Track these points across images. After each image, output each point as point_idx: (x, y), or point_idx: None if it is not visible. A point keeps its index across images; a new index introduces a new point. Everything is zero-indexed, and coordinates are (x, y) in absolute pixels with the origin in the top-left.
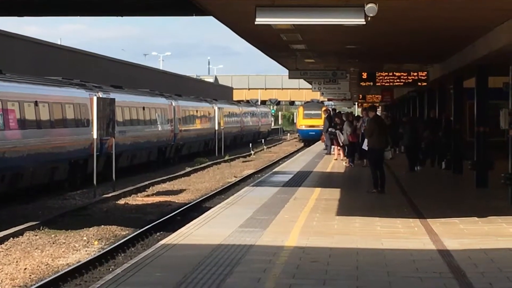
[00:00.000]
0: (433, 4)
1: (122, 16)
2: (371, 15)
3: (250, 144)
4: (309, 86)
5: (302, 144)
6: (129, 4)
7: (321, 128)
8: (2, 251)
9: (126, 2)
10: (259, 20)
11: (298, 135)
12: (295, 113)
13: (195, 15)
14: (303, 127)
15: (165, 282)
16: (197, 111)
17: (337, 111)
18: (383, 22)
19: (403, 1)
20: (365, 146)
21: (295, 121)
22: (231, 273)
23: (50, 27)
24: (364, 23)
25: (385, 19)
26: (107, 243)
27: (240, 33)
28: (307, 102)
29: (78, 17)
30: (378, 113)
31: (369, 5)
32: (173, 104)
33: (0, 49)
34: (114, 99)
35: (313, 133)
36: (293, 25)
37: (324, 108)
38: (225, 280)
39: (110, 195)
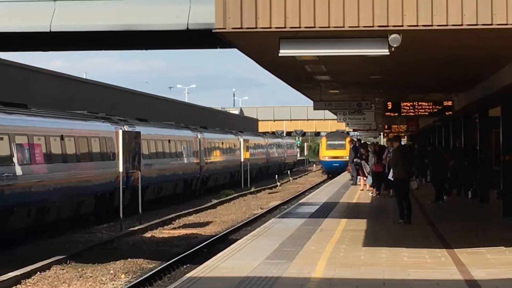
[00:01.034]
0: (457, 34)
1: (146, 49)
2: (395, 45)
3: (276, 176)
4: (334, 117)
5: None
6: (154, 38)
7: (345, 159)
8: (30, 285)
9: (151, 35)
10: (283, 52)
11: (321, 167)
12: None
13: (220, 48)
14: (326, 158)
15: None
16: (222, 143)
17: (362, 141)
18: (407, 52)
19: (427, 31)
20: (390, 177)
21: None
22: None
23: (75, 61)
24: (388, 53)
25: (409, 49)
26: (134, 276)
27: (265, 65)
28: (331, 132)
29: (103, 51)
30: (403, 143)
31: (393, 35)
32: (199, 137)
33: (25, 84)
34: (139, 132)
35: (337, 164)
36: (317, 56)
37: (348, 139)
38: None
39: (136, 228)
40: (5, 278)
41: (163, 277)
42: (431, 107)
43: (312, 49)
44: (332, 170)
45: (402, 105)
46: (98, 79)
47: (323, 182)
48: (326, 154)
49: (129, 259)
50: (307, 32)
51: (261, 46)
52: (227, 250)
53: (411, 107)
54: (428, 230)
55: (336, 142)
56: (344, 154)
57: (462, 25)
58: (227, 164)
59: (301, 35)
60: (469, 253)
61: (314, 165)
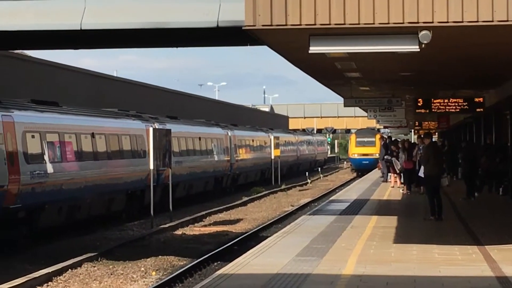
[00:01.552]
0: (488, 30)
1: (176, 47)
2: (425, 42)
3: (307, 173)
4: (365, 114)
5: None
6: (184, 35)
7: (375, 156)
8: (61, 282)
9: (181, 33)
10: (313, 49)
11: (350, 165)
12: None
13: (249, 45)
14: (356, 156)
15: None
16: (253, 140)
17: (392, 138)
18: (438, 48)
19: (457, 27)
20: (421, 173)
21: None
22: None
23: (105, 59)
24: (419, 50)
25: (439, 45)
26: (164, 273)
27: (295, 62)
28: (360, 129)
29: (133, 48)
30: (435, 139)
31: (423, 32)
32: (229, 134)
33: (56, 82)
34: (170, 129)
35: (367, 162)
36: (347, 53)
37: (378, 135)
38: None
39: (167, 225)
40: (37, 275)
41: (193, 274)
42: (461, 103)
43: (342, 46)
44: (362, 168)
45: (432, 101)
46: (129, 77)
47: (354, 179)
48: (355, 151)
49: (159, 256)
50: (337, 29)
51: (291, 43)
52: (258, 247)
53: (441, 104)
54: (459, 226)
55: (366, 139)
56: (374, 151)
57: (492, 21)
58: (258, 162)
59: (331, 32)
60: (500, 250)
61: (345, 162)
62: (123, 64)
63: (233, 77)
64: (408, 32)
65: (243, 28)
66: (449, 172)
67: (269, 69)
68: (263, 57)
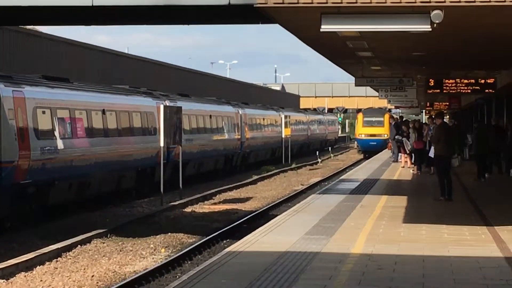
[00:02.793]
0: (500, 10)
1: (188, 24)
2: (437, 21)
3: (317, 152)
4: (376, 93)
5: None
6: (196, 13)
7: (383, 137)
8: (70, 258)
9: (193, 10)
10: (325, 28)
11: (357, 146)
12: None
13: (261, 23)
14: (363, 136)
15: None
16: (263, 119)
17: (403, 118)
18: (449, 28)
19: (470, 7)
20: (431, 154)
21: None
22: (296, 280)
23: (119, 36)
24: (430, 29)
25: (451, 25)
26: (174, 250)
27: (306, 41)
28: (368, 108)
29: (146, 26)
30: (446, 120)
31: (435, 11)
32: (240, 112)
33: (68, 58)
34: (181, 107)
35: (374, 143)
36: (359, 32)
37: (387, 115)
38: (290, 287)
39: (177, 203)
40: (46, 251)
41: (202, 252)
42: (473, 84)
43: (354, 25)
44: (369, 150)
45: (444, 82)
46: (141, 54)
47: (364, 159)
48: (362, 131)
49: (169, 234)
50: (349, 7)
51: (302, 22)
52: (267, 225)
53: (453, 85)
54: (469, 207)
55: (374, 119)
56: (382, 131)
57: (505, 1)
58: (268, 140)
59: (343, 11)
60: (509, 231)
61: (356, 142)
62: (137, 41)
63: (245, 55)
64: (420, 11)
65: (254, 6)
66: (459, 153)
67: (281, 48)
68: (275, 36)
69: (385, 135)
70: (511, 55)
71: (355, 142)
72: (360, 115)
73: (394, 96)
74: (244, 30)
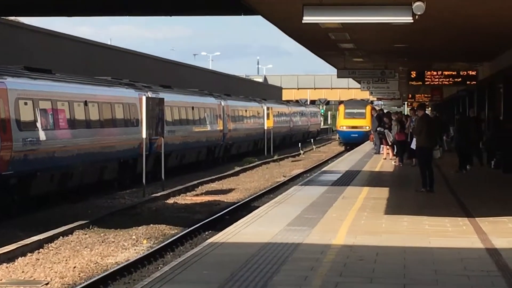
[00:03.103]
0: (481, 1)
1: (170, 15)
2: (419, 13)
3: (299, 144)
4: (359, 85)
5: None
6: (178, 4)
7: (365, 129)
8: (52, 249)
9: (175, 1)
10: (307, 19)
11: (338, 138)
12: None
13: (244, 15)
14: (344, 128)
15: (212, 280)
16: (246, 110)
17: (385, 111)
18: (431, 20)
19: None
20: (413, 145)
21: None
22: (278, 271)
23: (102, 28)
24: (412, 21)
25: (432, 17)
26: (156, 242)
27: (288, 32)
28: (350, 99)
29: (129, 17)
30: (428, 112)
31: (417, 3)
32: (222, 104)
33: (50, 50)
34: (163, 98)
35: (356, 135)
36: (341, 23)
37: (369, 106)
38: (272, 278)
39: (159, 194)
40: (28, 242)
41: (184, 243)
42: (455, 76)
43: (336, 16)
44: (351, 142)
45: (426, 74)
46: (124, 46)
47: (346, 151)
48: (343, 123)
49: (151, 225)
50: None
51: (284, 13)
52: (249, 217)
53: (435, 76)
54: (450, 199)
55: (356, 110)
56: (364, 123)
57: None
58: (251, 132)
59: (325, 2)
60: (490, 222)
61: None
62: (119, 33)
63: (228, 47)
64: (402, 3)
65: None
66: (441, 145)
67: (264, 40)
68: (258, 27)
69: (367, 127)
70: (493, 47)
71: (337, 134)
72: (341, 107)
73: (376, 88)
74: (227, 22)
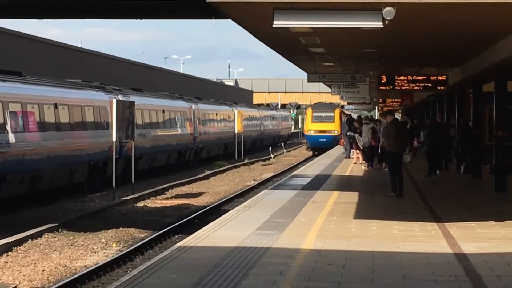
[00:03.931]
0: (451, 7)
1: (141, 19)
2: (389, 18)
3: (270, 148)
4: (329, 90)
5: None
6: (148, 7)
7: (333, 134)
8: (21, 252)
9: (145, 4)
10: (277, 23)
11: (306, 143)
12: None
13: (214, 18)
14: (312, 133)
15: (180, 284)
16: (217, 114)
17: (354, 116)
18: (401, 25)
19: (421, 4)
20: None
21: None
22: (246, 276)
23: (73, 30)
24: (382, 26)
25: (403, 22)
26: (125, 245)
27: (259, 36)
28: (317, 103)
29: (100, 20)
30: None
31: (387, 8)
32: (193, 107)
33: (20, 52)
34: (133, 102)
35: (324, 139)
36: (311, 28)
37: (338, 110)
38: (240, 282)
39: (129, 197)
40: None
41: (154, 247)
42: (425, 81)
43: (306, 21)
44: (319, 147)
45: (396, 79)
46: (95, 48)
47: (314, 156)
48: (311, 127)
49: (120, 228)
50: (302, 3)
51: (255, 17)
52: (218, 220)
53: (405, 81)
54: (420, 203)
55: (324, 114)
56: (332, 127)
57: None
58: (221, 136)
59: (295, 7)
60: (459, 227)
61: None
62: (91, 36)
63: (200, 51)
64: (372, 8)
65: (207, 1)
66: (411, 149)
67: (235, 44)
68: (230, 31)
69: (336, 131)
70: (462, 52)
71: (305, 138)
72: (309, 110)
73: (347, 92)
74: (198, 25)
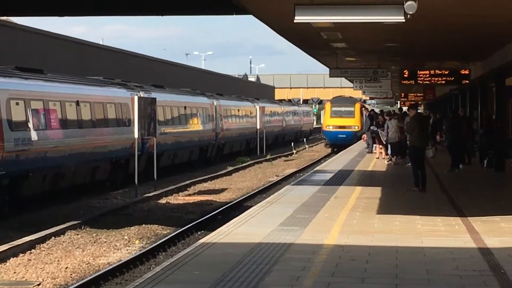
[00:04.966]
0: (473, 1)
1: (162, 15)
2: (411, 12)
3: (292, 143)
4: (351, 85)
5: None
6: (170, 3)
7: (353, 129)
8: (44, 250)
9: (167, 1)
10: (298, 18)
11: (324, 139)
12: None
13: (235, 14)
14: (331, 128)
15: (204, 280)
16: (238, 110)
17: (377, 111)
18: (423, 19)
19: None
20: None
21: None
22: (269, 272)
23: (95, 28)
24: (404, 20)
25: (424, 16)
26: (148, 242)
27: (280, 32)
28: (336, 97)
29: (121, 17)
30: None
31: (409, 2)
32: (215, 104)
33: (42, 50)
34: (155, 98)
35: (344, 135)
36: (333, 23)
37: (358, 104)
38: (263, 279)
39: (151, 194)
40: (20, 243)
41: (177, 243)
42: (447, 75)
43: (328, 16)
44: (338, 143)
45: (418, 73)
46: (116, 45)
47: (333, 153)
48: (330, 122)
49: (143, 225)
50: None
51: (276, 12)
52: (241, 217)
53: (427, 76)
54: (443, 198)
55: (343, 109)
56: (352, 123)
57: None
58: (243, 131)
59: (316, 2)
60: (483, 222)
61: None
62: (113, 33)
63: (221, 47)
64: (394, 2)
65: None
66: (434, 144)
67: (257, 39)
68: (250, 27)
69: (356, 127)
70: (484, 45)
71: (323, 134)
72: (327, 105)
73: (369, 87)
74: (220, 21)
